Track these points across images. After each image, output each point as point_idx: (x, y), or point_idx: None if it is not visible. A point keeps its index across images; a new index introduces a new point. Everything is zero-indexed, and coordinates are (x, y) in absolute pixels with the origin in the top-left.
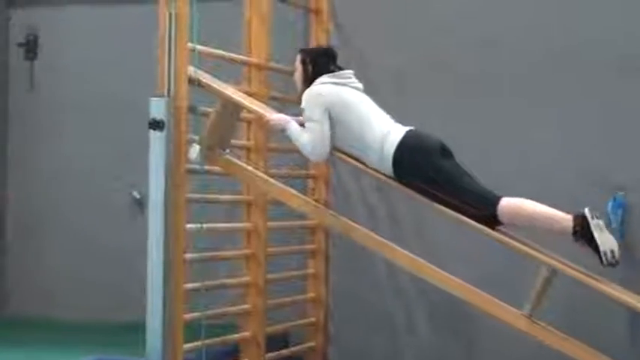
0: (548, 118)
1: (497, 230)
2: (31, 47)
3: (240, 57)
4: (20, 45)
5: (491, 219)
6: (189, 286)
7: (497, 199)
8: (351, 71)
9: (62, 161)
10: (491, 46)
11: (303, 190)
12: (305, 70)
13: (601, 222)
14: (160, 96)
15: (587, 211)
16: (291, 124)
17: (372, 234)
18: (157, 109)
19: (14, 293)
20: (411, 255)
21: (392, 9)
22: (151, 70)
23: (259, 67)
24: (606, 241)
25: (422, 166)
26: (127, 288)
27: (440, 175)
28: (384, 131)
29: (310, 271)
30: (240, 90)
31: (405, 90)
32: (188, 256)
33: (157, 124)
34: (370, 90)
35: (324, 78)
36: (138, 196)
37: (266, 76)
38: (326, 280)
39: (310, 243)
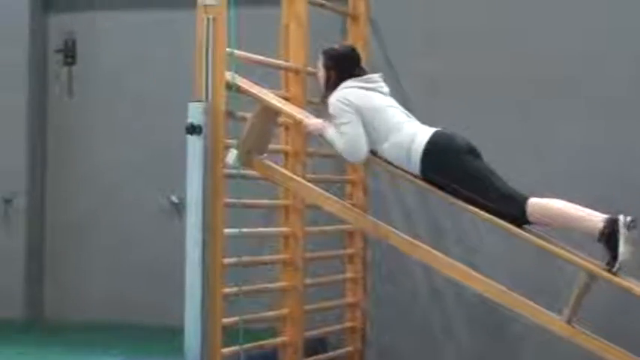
0: (587, 122)
1: (530, 231)
2: (69, 52)
3: (278, 61)
4: (58, 51)
5: (519, 218)
6: (228, 290)
7: (525, 198)
8: (378, 75)
9: (100, 165)
10: (524, 51)
11: (341, 195)
12: (328, 75)
13: (632, 233)
14: (198, 101)
15: (621, 218)
16: (329, 129)
17: (411, 239)
18: (195, 113)
19: (51, 298)
20: (450, 260)
21: (430, 14)
22: (188, 75)
23: (297, 72)
24: (626, 252)
25: (450, 165)
26: (165, 292)
27: (468, 174)
28: (411, 132)
29: (348, 275)
30: (277, 94)
31: (440, 95)
32: (226, 260)
33: (194, 129)
34: (405, 94)
35: (350, 82)
36: (176, 201)
37: (303, 80)
38: (364, 284)
39: (348, 247)
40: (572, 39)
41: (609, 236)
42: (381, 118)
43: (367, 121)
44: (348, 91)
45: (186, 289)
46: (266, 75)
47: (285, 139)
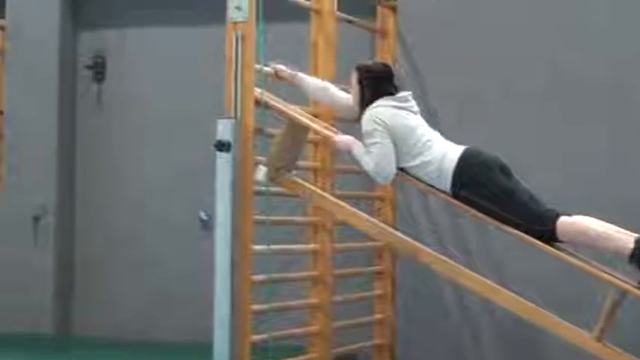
0: (614, 145)
1: (563, 250)
2: (98, 69)
3: None
4: (88, 67)
5: (549, 236)
6: (256, 307)
7: (557, 215)
8: (409, 93)
9: (129, 182)
10: (554, 70)
11: (370, 212)
12: (362, 92)
13: None
14: (227, 117)
15: None
16: (357, 146)
17: (440, 256)
18: (224, 130)
19: (80, 314)
20: (479, 277)
21: (459, 32)
22: (217, 91)
23: None
24: None
25: (481, 182)
26: (193, 309)
27: (498, 191)
28: (442, 151)
29: (377, 292)
30: (306, 111)
31: (468, 112)
32: (255, 277)
33: (223, 146)
34: (433, 112)
35: (383, 100)
36: (205, 217)
37: None
38: (392, 301)
39: (377, 264)
40: (609, 58)
41: None
42: (413, 136)
43: (398, 139)
44: (382, 110)
45: (215, 306)
46: (294, 91)
47: (314, 155)
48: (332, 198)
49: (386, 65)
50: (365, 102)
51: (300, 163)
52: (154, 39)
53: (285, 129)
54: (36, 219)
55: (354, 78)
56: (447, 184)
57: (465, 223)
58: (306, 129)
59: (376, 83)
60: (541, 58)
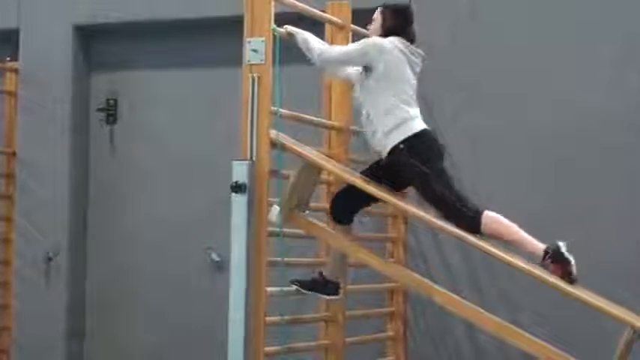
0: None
1: (577, 288)
2: (111, 111)
3: (321, 120)
4: (100, 109)
5: (473, 228)
6: (269, 349)
7: (482, 210)
8: (421, 52)
9: (140, 223)
10: (566, 105)
11: (381, 253)
12: (383, 26)
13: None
14: (242, 159)
15: (562, 244)
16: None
17: (455, 296)
18: (240, 172)
19: (92, 354)
20: (494, 317)
21: (472, 68)
22: (230, 133)
23: (339, 130)
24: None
25: (425, 166)
26: (206, 350)
27: (439, 179)
28: (406, 116)
29: (389, 333)
30: (320, 152)
31: (483, 148)
32: (268, 319)
33: (239, 187)
34: (447, 148)
35: (396, 40)
36: (217, 259)
37: (346, 138)
38: (404, 342)
39: (389, 305)
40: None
41: (553, 254)
42: (394, 83)
43: (382, 77)
44: (390, 43)
45: (229, 349)
46: (303, 131)
47: (327, 196)
48: (347, 239)
49: (408, 6)
50: (381, 32)
51: (314, 204)
52: (166, 80)
53: (299, 170)
54: (49, 258)
55: (377, 13)
56: (385, 147)
57: (479, 262)
58: (319, 170)
59: (395, 20)
60: (559, 97)
